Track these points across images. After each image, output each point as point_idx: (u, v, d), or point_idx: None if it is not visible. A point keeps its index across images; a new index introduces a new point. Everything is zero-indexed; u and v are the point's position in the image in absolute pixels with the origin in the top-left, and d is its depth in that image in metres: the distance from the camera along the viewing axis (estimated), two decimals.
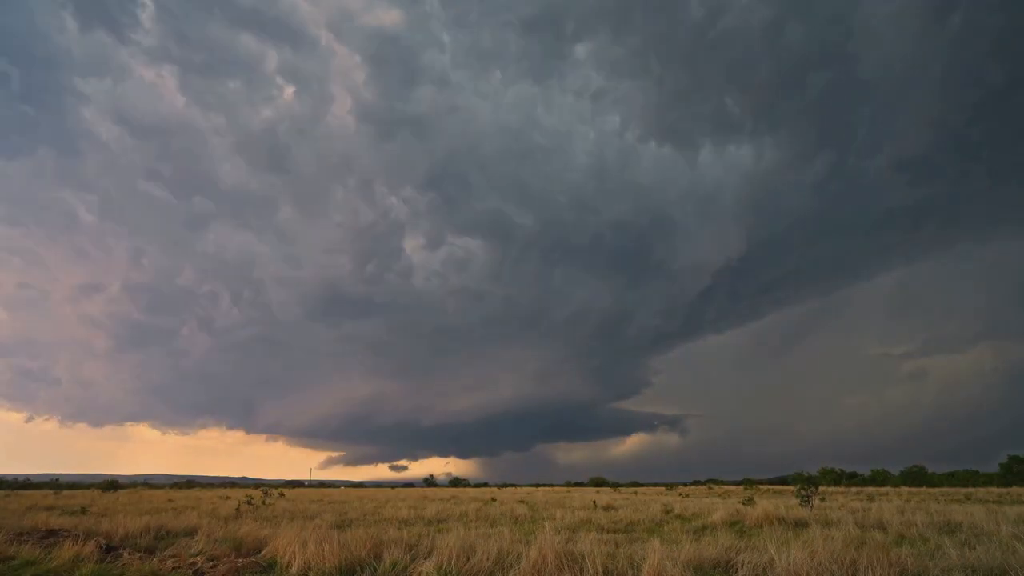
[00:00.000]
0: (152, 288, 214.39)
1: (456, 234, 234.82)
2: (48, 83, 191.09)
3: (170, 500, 27.20)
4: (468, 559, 6.43)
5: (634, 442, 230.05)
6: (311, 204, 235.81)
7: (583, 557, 6.14)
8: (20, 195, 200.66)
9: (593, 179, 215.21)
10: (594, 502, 22.47)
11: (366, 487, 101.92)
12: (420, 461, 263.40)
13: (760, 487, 55.49)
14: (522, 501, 25.14)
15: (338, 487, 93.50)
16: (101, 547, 8.29)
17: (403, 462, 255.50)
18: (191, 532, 10.55)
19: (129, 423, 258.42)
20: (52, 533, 10.12)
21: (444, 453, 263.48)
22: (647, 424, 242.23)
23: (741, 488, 54.54)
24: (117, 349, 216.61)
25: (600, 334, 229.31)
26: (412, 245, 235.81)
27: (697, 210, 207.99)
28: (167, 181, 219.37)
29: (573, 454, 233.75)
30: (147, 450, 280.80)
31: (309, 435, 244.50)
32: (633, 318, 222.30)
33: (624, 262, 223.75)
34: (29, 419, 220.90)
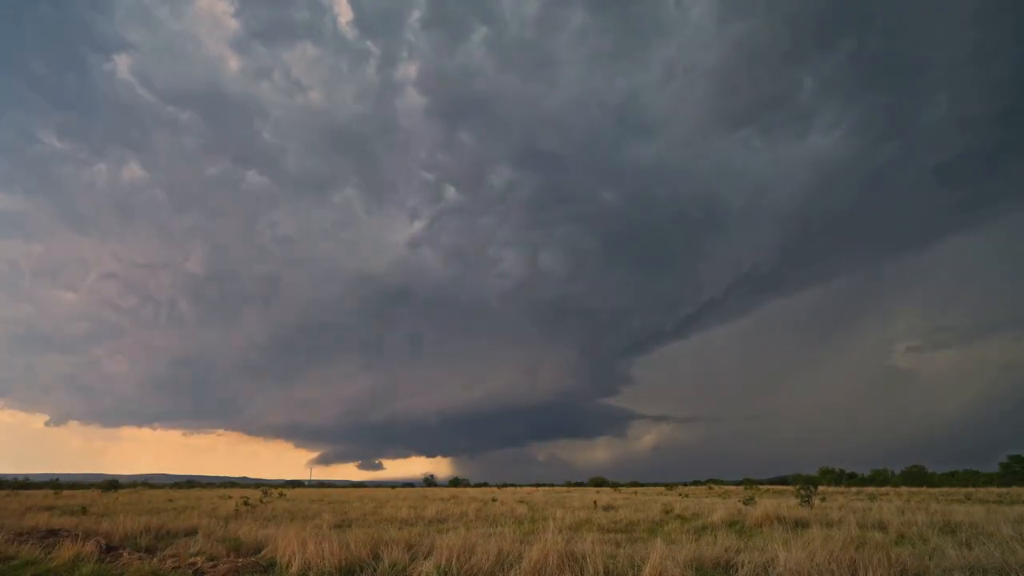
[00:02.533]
0: (191, 278, 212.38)
1: (490, 217, 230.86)
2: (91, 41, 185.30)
3: (170, 500, 27.20)
4: (468, 559, 6.43)
5: (621, 440, 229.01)
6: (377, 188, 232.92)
7: (584, 557, 6.13)
8: (48, 164, 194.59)
9: (658, 163, 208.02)
10: (594, 502, 22.48)
11: (366, 487, 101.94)
12: (398, 460, 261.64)
13: (760, 487, 55.47)
14: (522, 501, 25.13)
15: (338, 487, 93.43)
16: (101, 547, 8.29)
17: (379, 460, 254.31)
18: (191, 532, 10.56)
19: (133, 423, 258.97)
20: (52, 533, 10.12)
21: (422, 452, 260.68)
22: (632, 423, 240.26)
23: (741, 488, 54.52)
24: (135, 345, 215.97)
25: (603, 332, 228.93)
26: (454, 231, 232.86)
27: (749, 204, 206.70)
28: (226, 156, 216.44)
29: (560, 453, 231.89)
30: (147, 450, 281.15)
31: (308, 435, 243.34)
32: (638, 317, 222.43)
33: (658, 258, 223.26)
34: (60, 422, 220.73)
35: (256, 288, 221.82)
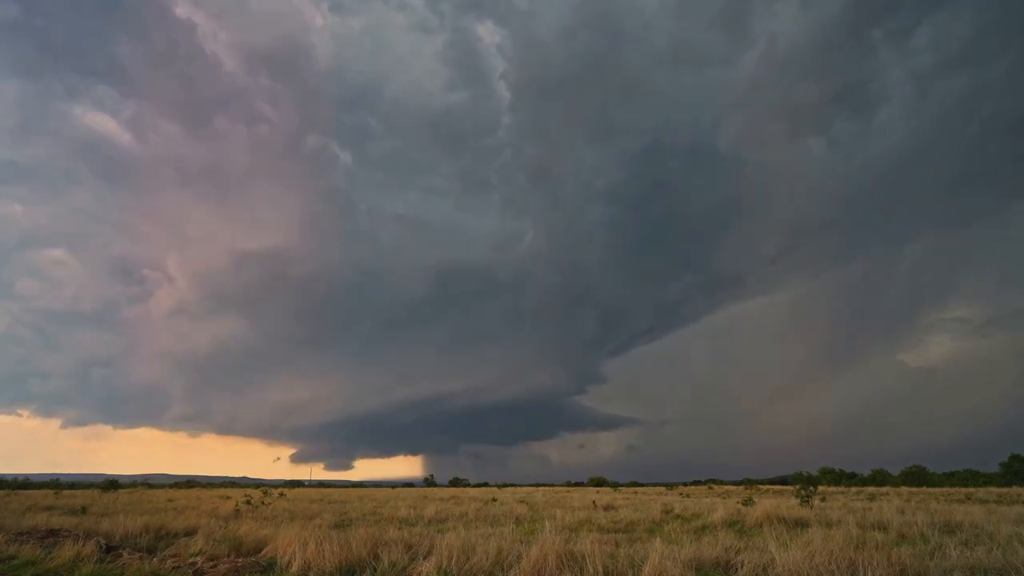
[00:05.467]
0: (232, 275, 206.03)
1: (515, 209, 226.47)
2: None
3: (170, 500, 27.20)
4: (468, 559, 6.43)
5: (606, 440, 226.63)
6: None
7: (583, 557, 6.14)
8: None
9: (700, 150, 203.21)
10: (594, 502, 22.49)
11: (365, 486, 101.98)
12: (372, 460, 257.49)
13: (760, 487, 55.45)
14: (522, 501, 25.15)
15: (337, 487, 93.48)
16: (101, 547, 8.29)
17: (356, 460, 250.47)
18: (191, 532, 10.55)
19: (136, 423, 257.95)
20: (52, 533, 10.12)
21: (395, 452, 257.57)
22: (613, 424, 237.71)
23: (742, 488, 54.50)
24: (150, 339, 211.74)
25: (598, 329, 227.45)
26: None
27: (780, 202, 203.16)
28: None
29: (540, 452, 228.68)
30: (147, 450, 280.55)
31: (286, 433, 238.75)
32: (635, 316, 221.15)
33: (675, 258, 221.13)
34: (78, 423, 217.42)
35: (285, 278, 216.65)
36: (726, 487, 63.31)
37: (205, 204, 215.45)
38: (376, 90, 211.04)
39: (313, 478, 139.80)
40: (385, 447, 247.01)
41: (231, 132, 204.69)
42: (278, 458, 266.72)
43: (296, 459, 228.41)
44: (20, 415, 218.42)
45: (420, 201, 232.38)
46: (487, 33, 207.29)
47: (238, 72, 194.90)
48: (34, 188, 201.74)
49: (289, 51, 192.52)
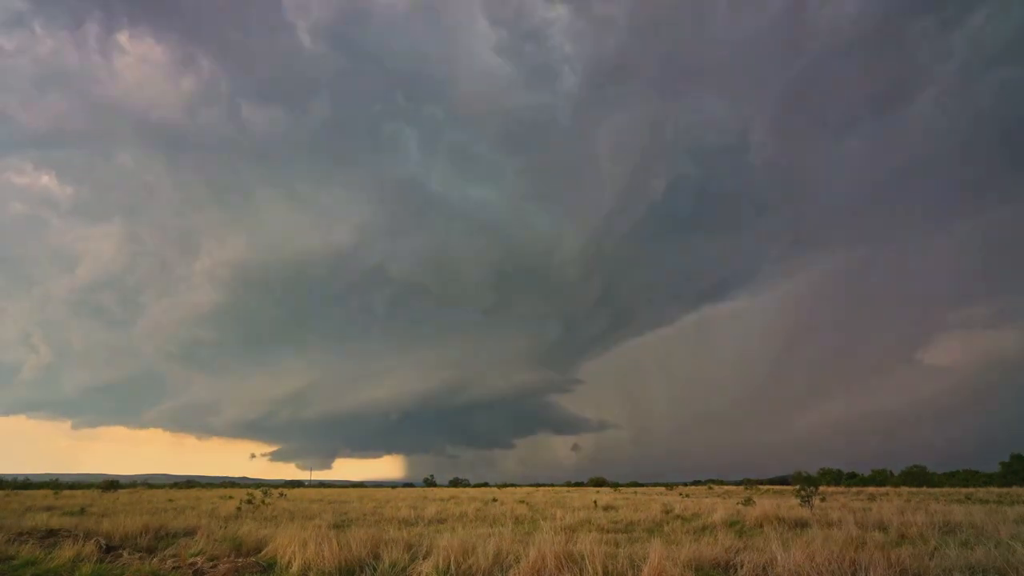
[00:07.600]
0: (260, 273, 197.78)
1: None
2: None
3: (170, 500, 27.21)
4: (467, 559, 6.43)
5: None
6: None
7: (583, 557, 6.13)
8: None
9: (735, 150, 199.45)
10: (594, 502, 22.49)
11: (366, 487, 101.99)
12: (351, 460, 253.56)
13: (760, 487, 55.46)
14: (522, 501, 25.16)
15: (337, 487, 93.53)
16: (101, 547, 8.29)
17: (337, 460, 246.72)
18: (191, 532, 10.54)
19: (135, 423, 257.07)
20: (52, 533, 10.11)
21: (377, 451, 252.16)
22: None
23: (741, 488, 54.48)
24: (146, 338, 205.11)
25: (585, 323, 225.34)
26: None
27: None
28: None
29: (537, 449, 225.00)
30: (148, 450, 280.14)
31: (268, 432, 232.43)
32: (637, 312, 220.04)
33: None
34: (88, 425, 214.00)
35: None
36: (726, 487, 63.30)
37: (264, 185, 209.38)
38: (440, 78, 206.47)
39: (313, 478, 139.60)
40: (366, 446, 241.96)
41: (310, 109, 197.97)
42: (254, 455, 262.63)
43: (276, 457, 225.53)
44: (35, 417, 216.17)
45: (477, 194, 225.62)
46: (549, 11, 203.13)
47: (316, 48, 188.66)
48: (74, 158, 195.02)
49: (358, 27, 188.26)
